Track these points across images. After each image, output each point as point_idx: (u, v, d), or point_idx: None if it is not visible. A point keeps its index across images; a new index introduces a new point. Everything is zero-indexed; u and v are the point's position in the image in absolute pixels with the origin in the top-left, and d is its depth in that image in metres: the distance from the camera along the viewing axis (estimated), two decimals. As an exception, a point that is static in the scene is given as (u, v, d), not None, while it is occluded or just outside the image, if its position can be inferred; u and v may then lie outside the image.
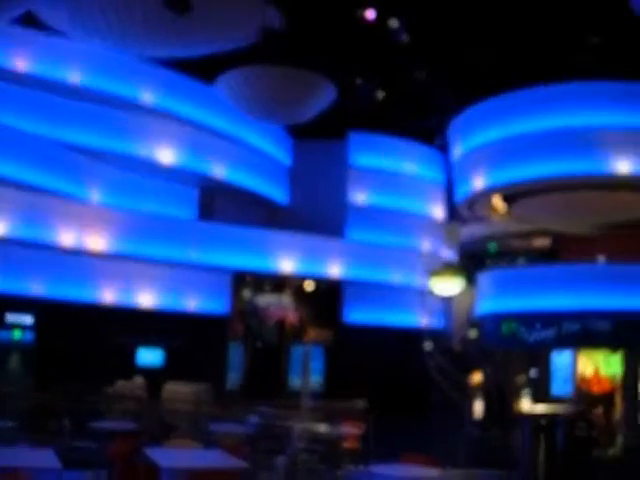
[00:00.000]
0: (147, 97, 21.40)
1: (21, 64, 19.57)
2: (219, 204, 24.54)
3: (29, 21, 13.41)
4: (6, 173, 18.79)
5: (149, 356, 22.49)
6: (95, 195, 21.53)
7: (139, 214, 21.67)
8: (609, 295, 19.09)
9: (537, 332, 19.73)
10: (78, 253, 20.32)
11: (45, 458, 8.94)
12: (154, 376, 21.05)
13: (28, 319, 20.47)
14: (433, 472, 9.88)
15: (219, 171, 23.07)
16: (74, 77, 20.28)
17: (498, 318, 20.91)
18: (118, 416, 16.35)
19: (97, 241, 20.45)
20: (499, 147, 20.87)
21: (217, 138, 23.06)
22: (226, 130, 23.16)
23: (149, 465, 9.38)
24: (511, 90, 20.41)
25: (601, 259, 22.49)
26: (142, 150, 21.61)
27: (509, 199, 22.38)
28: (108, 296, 21.07)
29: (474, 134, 21.74)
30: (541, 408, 19.91)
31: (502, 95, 20.74)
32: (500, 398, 20.43)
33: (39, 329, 20.60)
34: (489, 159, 21.15)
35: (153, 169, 22.22)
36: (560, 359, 22.96)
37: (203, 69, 17.15)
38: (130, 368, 21.10)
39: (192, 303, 22.59)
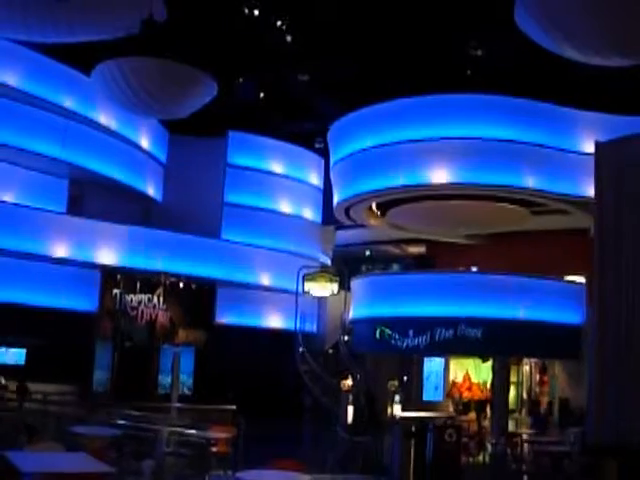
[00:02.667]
0: (16, 80, 20.53)
1: None
2: (90, 197, 23.79)
3: None
4: None
5: (10, 355, 21.63)
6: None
7: (6, 205, 20.71)
8: (481, 303, 19.54)
9: (410, 338, 19.95)
10: None
11: None
12: (16, 376, 20.25)
13: None
14: (302, 477, 9.79)
15: (90, 162, 22.29)
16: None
17: (372, 323, 21.07)
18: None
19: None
20: (374, 154, 21.09)
21: (89, 128, 22.31)
22: (99, 120, 22.47)
23: (10, 469, 8.94)
24: (388, 99, 20.68)
25: (474, 268, 23.01)
26: (9, 137, 20.66)
27: (384, 206, 22.67)
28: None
29: (351, 140, 21.91)
30: (412, 414, 20.18)
31: (379, 103, 21.01)
32: (370, 403, 20.59)
33: None
34: (365, 165, 21.36)
35: (20, 157, 21.28)
36: (432, 365, 23.39)
37: (79, 57, 16.58)
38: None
39: (58, 300, 21.75)
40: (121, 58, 12.29)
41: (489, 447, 18.14)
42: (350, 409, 20.57)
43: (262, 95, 27.06)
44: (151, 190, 25.11)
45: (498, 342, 19.39)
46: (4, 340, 21.41)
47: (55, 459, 9.85)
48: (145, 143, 24.58)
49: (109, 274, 23.26)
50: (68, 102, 21.74)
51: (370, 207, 23.05)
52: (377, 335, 20.77)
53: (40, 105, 21.11)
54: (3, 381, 18.90)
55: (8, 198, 20.97)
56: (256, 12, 21.61)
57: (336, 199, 23.09)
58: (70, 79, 21.59)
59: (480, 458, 17.65)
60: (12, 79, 20.50)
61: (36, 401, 17.87)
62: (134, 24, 12.04)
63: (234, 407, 17.61)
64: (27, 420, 15.04)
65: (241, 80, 26.03)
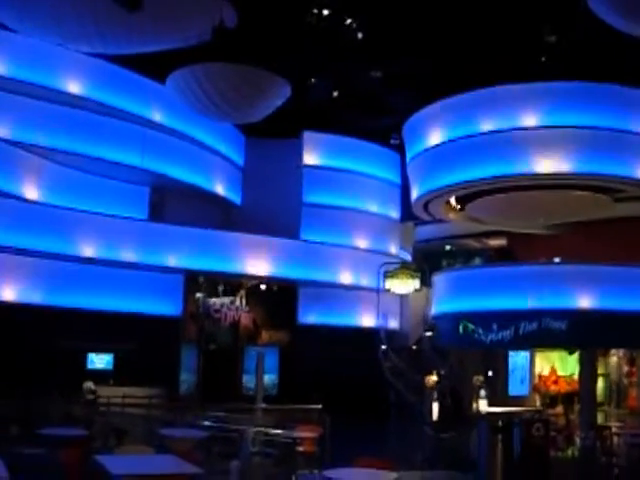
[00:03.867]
0: (96, 94, 21.04)
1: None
2: (171, 203, 24.18)
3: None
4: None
5: (100, 360, 22.10)
6: (43, 194, 21.05)
7: (89, 214, 21.21)
8: (564, 294, 19.18)
9: (494, 332, 19.73)
10: (26, 254, 19.83)
11: (-9, 466, 8.65)
12: (105, 381, 20.68)
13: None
14: (389, 475, 9.76)
15: (170, 169, 22.72)
16: (27, 74, 19.91)
17: (455, 318, 20.91)
18: (68, 422, 16.00)
19: (44, 242, 19.98)
20: (452, 147, 20.91)
21: (168, 136, 22.73)
22: (177, 128, 22.86)
23: (100, 472, 9.13)
24: (462, 91, 20.48)
25: (556, 259, 22.63)
26: (93, 148, 21.19)
27: (463, 200, 22.47)
28: (57, 299, 20.56)
29: (428, 134, 21.76)
30: (498, 409, 19.95)
31: (454, 96, 20.81)
32: (455, 399, 20.42)
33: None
34: (443, 159, 21.19)
35: (104, 167, 21.81)
36: (517, 359, 23.08)
37: (154, 66, 16.84)
38: (80, 373, 20.67)
39: (143, 305, 22.15)
40: (195, 65, 12.48)
41: (578, 441, 17.80)
42: (435, 405, 20.44)
43: (336, 94, 27.06)
44: (230, 194, 25.38)
45: (583, 334, 18.98)
46: (93, 346, 21.87)
47: (144, 461, 10.02)
48: (222, 148, 24.86)
49: (192, 278, 23.56)
50: (145, 111, 22.17)
51: (449, 201, 22.86)
52: (460, 330, 20.60)
53: (118, 115, 21.58)
54: (93, 386, 19.30)
55: (93, 208, 21.46)
56: (325, 11, 21.65)
57: (414, 195, 22.97)
58: (146, 88, 22.02)
59: (569, 452, 17.31)
60: (91, 91, 21.00)
61: (124, 405, 18.21)
62: (206, 31, 12.18)
63: (319, 406, 17.64)
64: (116, 424, 15.34)
65: (314, 80, 26.08)
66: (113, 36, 11.73)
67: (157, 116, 22.44)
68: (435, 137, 21.49)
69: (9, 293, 19.78)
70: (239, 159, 26.18)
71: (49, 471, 11.24)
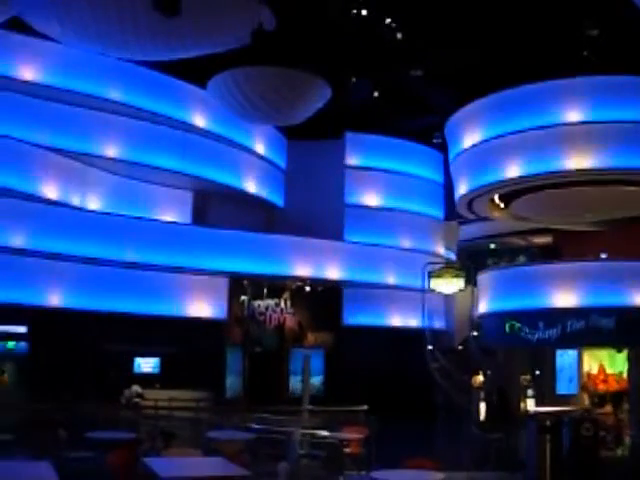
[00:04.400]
0: (137, 100, 21.25)
1: (22, 72, 19.62)
2: (214, 207, 24.31)
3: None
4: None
5: (146, 364, 22.27)
6: (89, 201, 21.32)
7: (133, 219, 21.43)
8: (612, 292, 18.91)
9: (541, 331, 19.53)
10: (73, 260, 20.09)
11: (41, 470, 8.72)
12: (151, 384, 20.83)
13: (22, 329, 20.20)
14: (437, 476, 9.69)
15: (212, 173, 22.86)
16: (73, 84, 20.26)
17: (501, 317, 20.74)
18: (116, 426, 16.13)
19: (90, 248, 20.23)
20: (495, 145, 20.75)
21: (210, 140, 22.88)
22: (219, 132, 23.00)
23: (149, 475, 9.19)
24: (505, 88, 20.32)
25: (603, 255, 22.31)
26: (135, 154, 21.43)
27: (507, 197, 22.28)
28: (103, 304, 20.78)
29: (471, 132, 21.62)
30: (546, 408, 19.72)
31: (497, 93, 20.65)
32: (502, 399, 20.22)
33: (33, 339, 20.34)
34: (486, 157, 21.03)
35: (146, 173, 22.02)
36: (564, 357, 22.80)
37: (194, 71, 16.95)
38: (127, 376, 20.85)
39: (189, 309, 22.31)
40: (235, 69, 12.53)
41: (627, 440, 17.54)
42: (482, 405, 20.29)
43: (376, 94, 27.02)
44: (272, 196, 25.45)
45: (632, 331, 18.65)
46: (142, 349, 22.06)
47: (192, 464, 10.08)
48: (264, 150, 24.94)
49: (236, 281, 23.65)
50: (187, 116, 22.33)
51: (493, 199, 22.68)
52: (507, 329, 20.42)
53: (159, 121, 21.77)
54: (140, 390, 19.44)
55: (136, 213, 21.69)
56: (364, 12, 21.62)
57: (458, 193, 22.83)
58: (187, 93, 22.19)
59: (618, 452, 17.06)
60: (132, 98, 21.22)
61: (171, 408, 18.31)
62: (245, 35, 12.22)
63: (365, 407, 17.59)
64: (164, 427, 15.42)
65: (354, 80, 26.07)
66: (152, 43, 11.84)
67: (198, 120, 22.58)
68: (478, 135, 21.34)
69: (57, 298, 20.03)
70: (281, 161, 26.25)
71: (97, 474, 11.34)
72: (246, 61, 12.32)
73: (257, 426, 14.77)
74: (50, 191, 19.92)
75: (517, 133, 20.27)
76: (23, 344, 20.48)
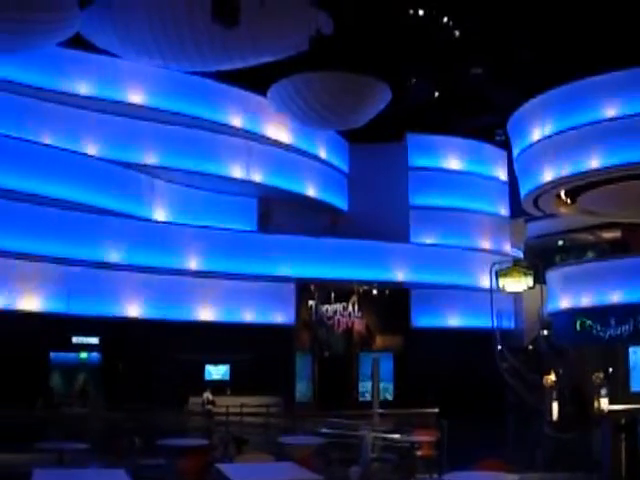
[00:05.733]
0: (200, 111, 21.59)
1: (83, 87, 20.06)
2: (278, 213, 24.45)
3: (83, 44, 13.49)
4: (67, 196, 19.12)
5: (217, 371, 22.48)
6: (156, 213, 21.68)
7: (200, 229, 21.70)
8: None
9: (612, 328, 19.20)
10: (140, 271, 20.42)
11: (117, 478, 8.86)
12: (222, 391, 21.00)
13: (94, 340, 20.59)
14: (510, 478, 9.56)
15: (276, 180, 23.04)
16: (137, 97, 20.71)
17: (571, 315, 20.43)
18: (188, 432, 16.32)
19: (158, 259, 20.57)
20: (561, 139, 20.45)
21: (272, 147, 23.05)
22: (281, 139, 23.16)
23: (222, 480, 9.26)
24: (567, 82, 20.03)
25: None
26: (200, 164, 21.72)
27: (574, 192, 21.94)
28: (173, 313, 21.07)
29: (534, 128, 21.37)
30: (620, 406, 19.33)
31: (558, 87, 20.36)
32: (576, 398, 19.88)
33: (105, 349, 20.73)
34: (551, 152, 20.73)
35: (212, 182, 22.28)
36: (638, 354, 22.32)
37: (255, 80, 17.10)
38: (199, 384, 21.07)
39: (257, 315, 22.46)
40: (295, 75, 12.61)
41: None
42: (555, 405, 19.98)
43: (437, 94, 26.89)
44: (336, 200, 25.50)
45: None
46: (212, 357, 22.27)
47: (264, 469, 10.10)
48: (326, 155, 25.02)
49: (304, 286, 23.73)
50: (249, 124, 22.51)
51: (559, 195, 22.35)
52: (577, 327, 20.12)
53: (221, 130, 22.02)
54: (211, 397, 19.64)
55: (203, 222, 21.95)
56: (421, 12, 21.55)
57: (523, 190, 22.56)
58: (248, 102, 22.38)
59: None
60: (196, 109, 21.53)
61: (243, 414, 18.44)
62: (303, 41, 12.30)
63: (436, 410, 17.48)
64: (235, 432, 15.54)
65: (414, 81, 25.98)
66: (213, 53, 12.00)
67: (260, 128, 22.74)
68: (542, 130, 21.07)
69: (128, 309, 20.38)
70: (344, 165, 26.28)
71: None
72: (305, 67, 12.39)
73: (328, 430, 14.77)
74: (120, 204, 20.38)
75: (582, 127, 19.93)
76: (95, 355, 20.89)
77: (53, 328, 18.94)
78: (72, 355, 20.72)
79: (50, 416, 16.99)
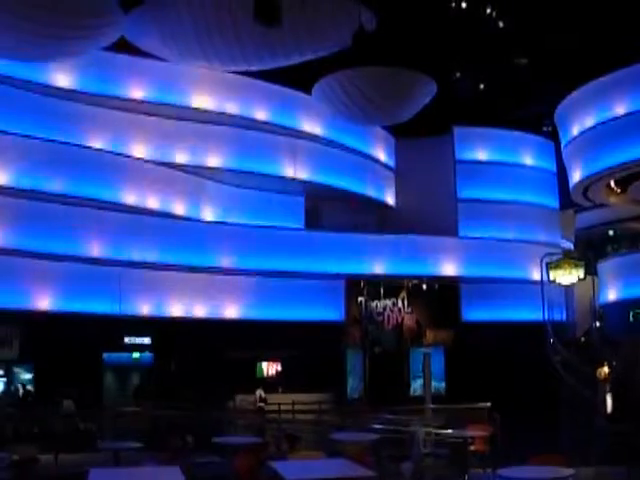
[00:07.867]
0: (247, 110, 21.77)
1: (134, 91, 20.39)
2: (325, 210, 24.49)
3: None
4: (119, 199, 19.50)
5: (268, 368, 22.59)
6: (205, 212, 21.84)
7: (249, 228, 21.82)
8: None
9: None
10: (190, 271, 20.60)
11: (171, 476, 8.95)
12: (274, 388, 21.10)
13: (146, 340, 20.82)
14: (566, 471, 9.46)
15: (323, 177, 23.07)
16: (184, 99, 20.96)
17: (624, 306, 20.14)
18: (241, 430, 16.43)
19: (208, 258, 20.73)
20: (610, 128, 20.16)
21: (319, 144, 23.09)
22: (327, 136, 23.20)
23: (275, 478, 9.30)
24: (614, 69, 19.74)
25: None
26: (247, 164, 21.84)
27: (625, 181, 21.63)
28: (224, 311, 21.24)
29: (582, 117, 21.09)
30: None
31: (606, 75, 20.06)
32: (630, 390, 19.60)
33: (157, 349, 20.95)
34: (600, 141, 20.45)
35: (259, 181, 22.39)
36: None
37: (299, 77, 17.12)
38: (250, 381, 21.20)
39: (308, 312, 22.50)
40: (339, 72, 12.60)
41: None
42: (609, 398, 19.71)
43: (482, 86, 26.69)
44: (384, 196, 25.45)
45: None
46: (263, 354, 22.40)
47: (317, 466, 10.13)
48: (373, 151, 24.98)
49: (353, 283, 23.72)
50: (294, 122, 22.58)
51: (609, 185, 22.04)
52: (630, 318, 19.82)
53: (266, 129, 22.12)
54: (263, 394, 19.77)
55: (251, 221, 22.07)
56: (464, 4, 21.41)
57: (573, 181, 22.29)
58: (293, 100, 22.45)
59: None
60: (242, 109, 21.69)
61: (294, 411, 18.51)
62: (346, 37, 12.27)
63: (488, 404, 17.37)
64: (288, 430, 15.61)
65: (459, 74, 25.83)
66: (256, 53, 12.03)
67: (306, 126, 22.80)
68: (590, 119, 20.78)
69: (178, 309, 20.58)
70: (390, 161, 26.21)
71: (224, 478, 11.57)
72: (350, 63, 12.38)
73: (380, 426, 14.75)
74: (171, 205, 20.63)
75: (631, 114, 19.63)
76: (148, 355, 21.13)
77: (105, 329, 19.21)
78: (125, 355, 21.01)
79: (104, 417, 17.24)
